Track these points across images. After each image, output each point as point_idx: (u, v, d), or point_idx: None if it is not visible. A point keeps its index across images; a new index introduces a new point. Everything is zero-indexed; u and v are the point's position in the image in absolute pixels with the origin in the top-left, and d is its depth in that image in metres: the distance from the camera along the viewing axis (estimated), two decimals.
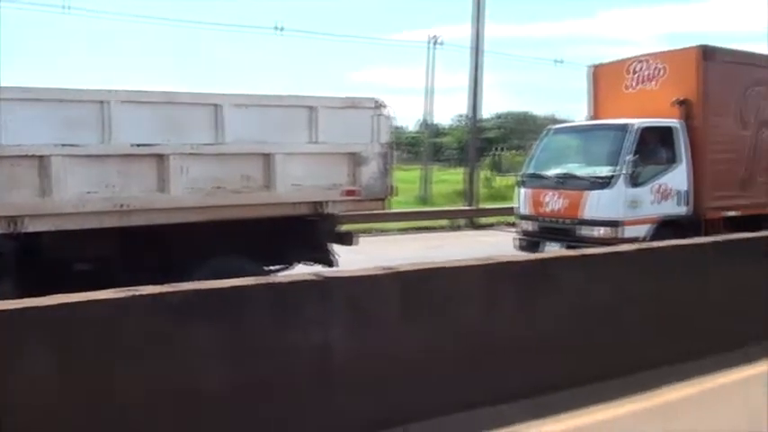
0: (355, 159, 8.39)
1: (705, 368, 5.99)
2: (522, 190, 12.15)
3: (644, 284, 6.22)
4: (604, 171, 10.87)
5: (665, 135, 11.31)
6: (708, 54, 11.56)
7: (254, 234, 7.90)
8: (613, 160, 10.81)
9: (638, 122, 10.98)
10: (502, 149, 38.86)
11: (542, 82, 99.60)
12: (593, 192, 10.81)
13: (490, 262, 5.54)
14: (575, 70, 36.71)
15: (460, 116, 52.19)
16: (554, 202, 11.28)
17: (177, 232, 7.43)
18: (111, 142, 7.11)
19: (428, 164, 31.56)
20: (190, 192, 7.48)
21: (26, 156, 6.76)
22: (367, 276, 4.90)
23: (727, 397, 5.63)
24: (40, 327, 3.77)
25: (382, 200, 8.74)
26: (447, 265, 5.33)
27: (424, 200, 27.61)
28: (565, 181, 11.34)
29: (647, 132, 10.99)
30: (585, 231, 10.73)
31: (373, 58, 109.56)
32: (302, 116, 8.12)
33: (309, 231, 8.47)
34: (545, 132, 12.98)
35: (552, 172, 11.67)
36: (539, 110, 73.78)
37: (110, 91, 7.20)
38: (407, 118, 78.63)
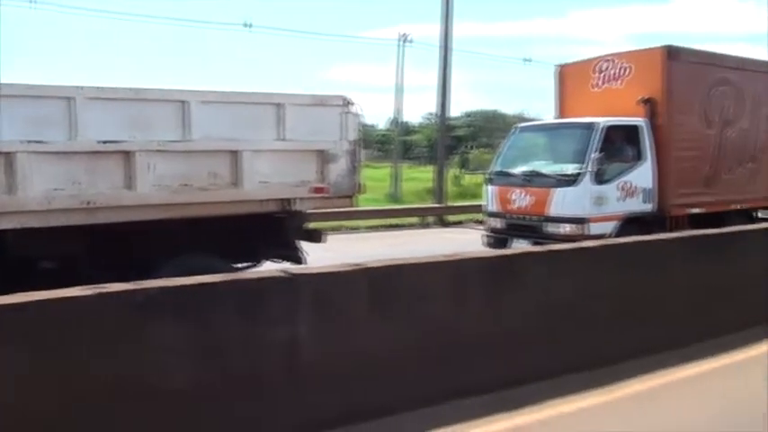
0: (323, 157, 8.39)
1: (666, 362, 6.11)
2: (490, 187, 12.25)
3: (609, 280, 6.32)
4: (570, 169, 11.00)
5: (630, 133, 11.49)
6: (672, 54, 11.77)
7: (222, 231, 7.86)
8: (579, 158, 10.94)
9: (603, 121, 11.13)
10: (471, 148, 39.13)
11: (511, 81, 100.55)
12: (559, 189, 10.94)
13: (457, 258, 5.60)
14: (543, 69, 37.16)
15: (430, 114, 52.37)
16: (521, 199, 11.39)
17: (144, 230, 7.38)
18: (78, 139, 7.03)
19: (398, 162, 31.64)
20: (157, 189, 7.43)
21: None
22: (335, 273, 4.93)
23: (687, 390, 5.75)
24: (4, 325, 3.74)
25: (351, 197, 8.75)
26: (414, 262, 5.40)
27: (394, 198, 27.70)
28: (531, 178, 11.46)
29: (612, 131, 11.15)
30: (552, 228, 10.86)
31: (344, 56, 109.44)
32: (270, 113, 8.10)
33: (278, 229, 8.46)
34: (512, 130, 13.12)
35: (519, 170, 11.78)
36: (508, 108, 74.42)
37: (76, 87, 7.12)
38: (378, 116, 78.73)
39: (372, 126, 56.22)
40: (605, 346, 6.06)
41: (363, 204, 16.89)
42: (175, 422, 4.15)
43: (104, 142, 7.17)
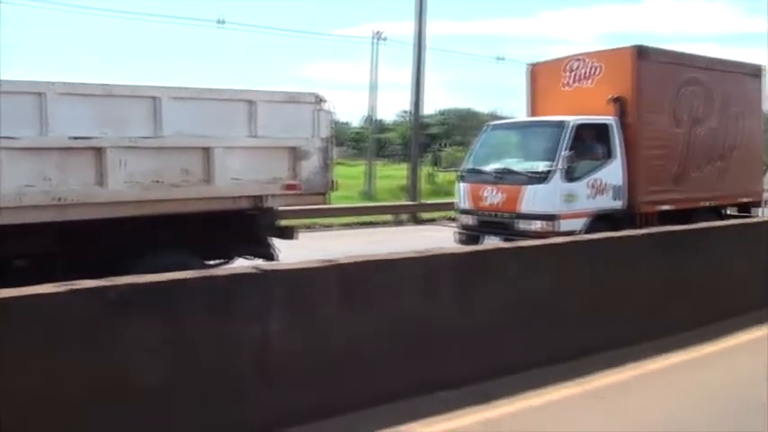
0: (296, 154, 8.39)
1: (634, 355, 6.22)
2: (462, 185, 12.33)
3: (578, 275, 6.42)
4: (541, 166, 11.10)
5: (600, 132, 11.63)
6: (642, 54, 11.92)
7: (194, 228, 7.85)
8: (550, 156, 11.05)
9: (573, 119, 11.25)
10: (445, 145, 39.18)
11: (485, 79, 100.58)
12: (530, 186, 11.04)
13: (428, 254, 5.65)
14: (516, 68, 37.33)
15: (405, 112, 52.37)
16: (493, 196, 11.48)
17: (116, 227, 7.34)
18: (49, 135, 6.97)
19: (372, 160, 31.66)
20: (128, 186, 7.39)
21: None
22: (307, 269, 4.95)
23: (656, 382, 5.84)
24: None
25: (323, 194, 8.77)
26: (386, 258, 5.43)
27: (368, 195, 27.72)
28: (503, 176, 11.55)
29: (582, 129, 11.27)
30: (523, 225, 10.96)
31: (318, 54, 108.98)
32: (242, 110, 8.09)
33: (250, 225, 8.45)
34: (484, 128, 13.22)
35: (491, 167, 11.86)
36: (481, 106, 74.79)
37: (47, 83, 7.07)
38: (352, 114, 78.49)
39: (347, 124, 56.22)
40: (575, 340, 6.16)
41: (337, 202, 16.92)
42: (147, 420, 4.14)
43: (75, 138, 7.11)
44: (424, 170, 27.11)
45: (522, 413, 5.09)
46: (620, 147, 11.63)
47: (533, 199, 10.96)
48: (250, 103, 8.11)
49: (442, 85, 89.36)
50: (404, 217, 21.82)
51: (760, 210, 14.59)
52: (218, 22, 28.79)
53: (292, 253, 7.95)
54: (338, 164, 9.60)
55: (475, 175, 12.10)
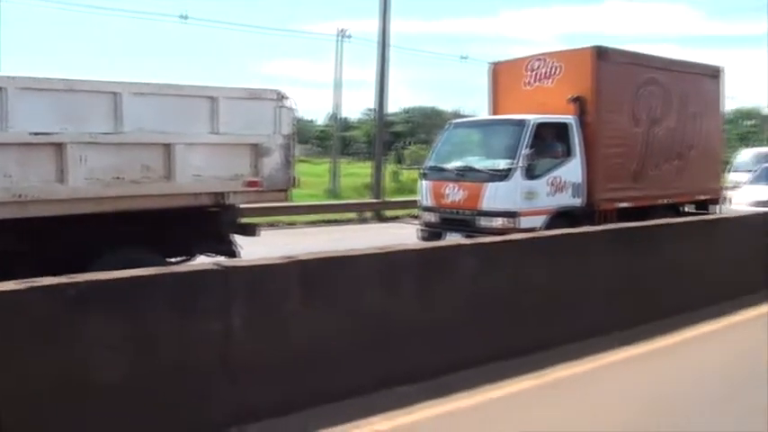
0: (257, 150, 8.39)
1: (591, 349, 6.34)
2: (425, 182, 12.42)
3: (537, 271, 6.52)
4: (502, 164, 11.25)
5: (560, 130, 11.81)
6: (601, 54, 12.13)
7: (155, 225, 7.82)
8: (511, 154, 11.20)
9: (533, 118, 11.41)
10: (409, 143, 39.40)
11: (449, 78, 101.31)
12: (491, 184, 11.17)
13: (389, 250, 5.71)
14: (479, 67, 37.59)
15: (369, 110, 52.36)
16: (454, 193, 11.59)
17: (77, 223, 7.28)
18: (9, 130, 6.88)
19: (337, 157, 31.64)
20: (89, 182, 7.33)
21: None
22: (268, 265, 4.98)
23: (611, 375, 5.99)
24: None
25: (285, 191, 8.78)
26: (348, 254, 5.48)
27: (333, 193, 27.70)
28: (464, 173, 11.67)
29: (542, 127, 11.44)
30: (484, 222, 11.08)
31: (282, 51, 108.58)
32: (203, 106, 8.06)
33: (211, 222, 8.44)
34: (446, 126, 13.36)
35: (453, 165, 11.98)
36: (445, 105, 75.16)
37: (8, 77, 6.98)
38: (317, 111, 78.55)
39: (311, 121, 56.11)
40: (534, 335, 6.26)
41: (302, 200, 16.90)
42: (109, 417, 4.14)
43: (36, 134, 7.03)
44: (389, 168, 27.19)
45: (482, 405, 5.17)
46: (580, 145, 11.82)
47: (494, 196, 11.08)
48: (212, 99, 8.09)
49: (407, 83, 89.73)
50: (368, 215, 21.89)
51: (718, 207, 14.88)
52: (181, 17, 28.56)
53: (254, 250, 7.94)
54: (303, 162, 9.66)
55: (437, 173, 12.20)
